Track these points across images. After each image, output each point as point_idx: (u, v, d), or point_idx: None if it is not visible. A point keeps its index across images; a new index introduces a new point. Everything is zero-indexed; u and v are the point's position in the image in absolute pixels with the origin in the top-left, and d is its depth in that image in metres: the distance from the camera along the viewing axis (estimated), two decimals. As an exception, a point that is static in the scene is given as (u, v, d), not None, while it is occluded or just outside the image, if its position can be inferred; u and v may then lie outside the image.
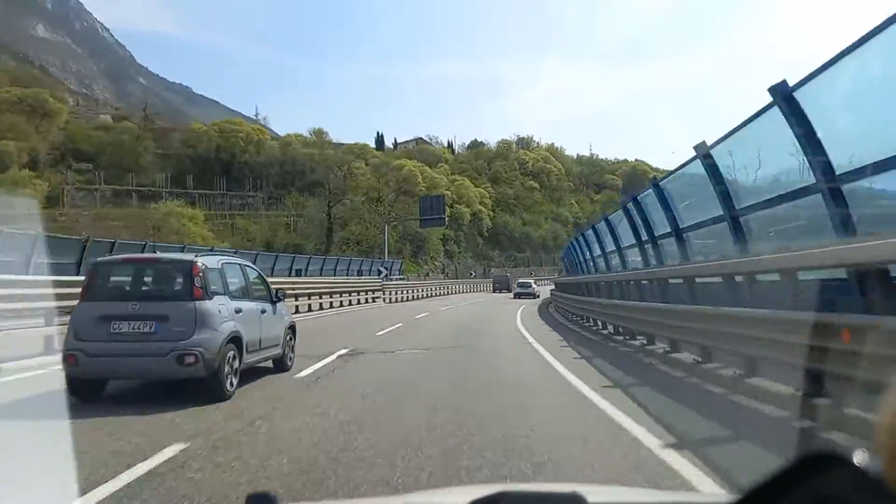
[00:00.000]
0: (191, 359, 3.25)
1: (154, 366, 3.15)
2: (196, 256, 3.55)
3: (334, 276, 19.45)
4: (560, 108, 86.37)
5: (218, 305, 3.39)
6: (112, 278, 3.51)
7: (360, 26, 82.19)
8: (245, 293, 4.03)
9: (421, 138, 64.37)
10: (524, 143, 69.99)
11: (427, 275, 41.19)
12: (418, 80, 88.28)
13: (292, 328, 4.76)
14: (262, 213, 42.11)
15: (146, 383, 3.43)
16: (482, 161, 67.22)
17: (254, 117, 66.23)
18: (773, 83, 3.84)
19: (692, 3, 70.99)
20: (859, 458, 0.40)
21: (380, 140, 62.22)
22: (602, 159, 72.37)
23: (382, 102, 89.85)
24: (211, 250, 10.18)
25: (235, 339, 3.48)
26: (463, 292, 32.39)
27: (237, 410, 2.99)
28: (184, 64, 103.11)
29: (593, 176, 70.17)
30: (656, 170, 71.39)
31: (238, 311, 3.66)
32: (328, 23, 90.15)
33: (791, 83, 3.67)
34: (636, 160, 72.21)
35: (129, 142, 42.00)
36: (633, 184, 70.33)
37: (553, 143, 71.90)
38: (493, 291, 31.15)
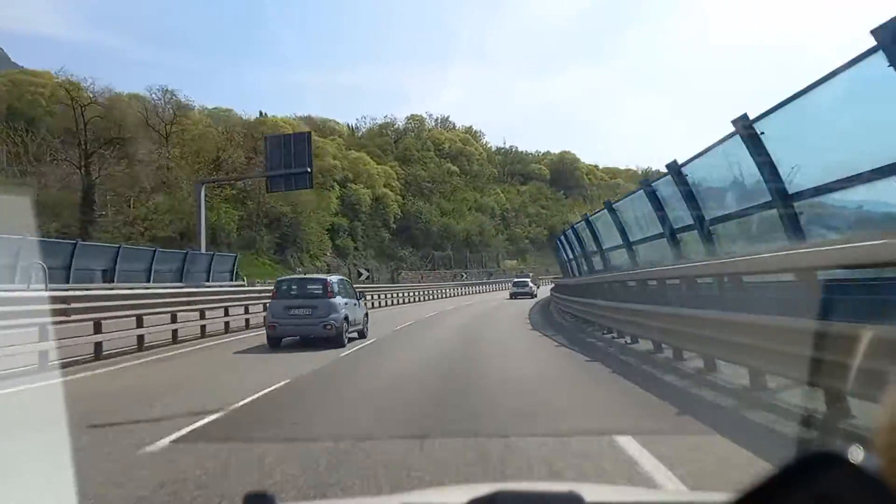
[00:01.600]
0: (328, 327, 7.66)
1: (311, 330, 7.47)
2: (327, 276, 7.98)
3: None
4: (465, 117, 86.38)
5: (338, 300, 7.73)
6: (286, 287, 8.21)
7: (264, 32, 78.32)
8: (347, 294, 8.55)
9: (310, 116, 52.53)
10: (441, 122, 65.90)
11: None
12: (325, 87, 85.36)
13: (366, 314, 9.44)
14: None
15: (304, 339, 7.78)
16: (388, 136, 59.33)
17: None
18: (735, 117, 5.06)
19: (590, 21, 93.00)
20: (859, 457, 0.42)
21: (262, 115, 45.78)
22: (522, 151, 72.56)
23: (283, 108, 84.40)
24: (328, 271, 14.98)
25: (346, 317, 7.94)
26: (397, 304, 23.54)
27: (348, 351, 7.13)
28: (71, 65, 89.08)
29: (516, 166, 70.02)
30: (591, 166, 76.94)
31: (346, 303, 8.14)
32: (233, 27, 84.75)
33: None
34: (563, 151, 73.98)
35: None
36: (561, 174, 71.88)
37: (472, 126, 67.93)
38: (511, 298, 27.46)
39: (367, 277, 28.08)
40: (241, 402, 4.62)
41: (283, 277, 10.87)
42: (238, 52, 78.21)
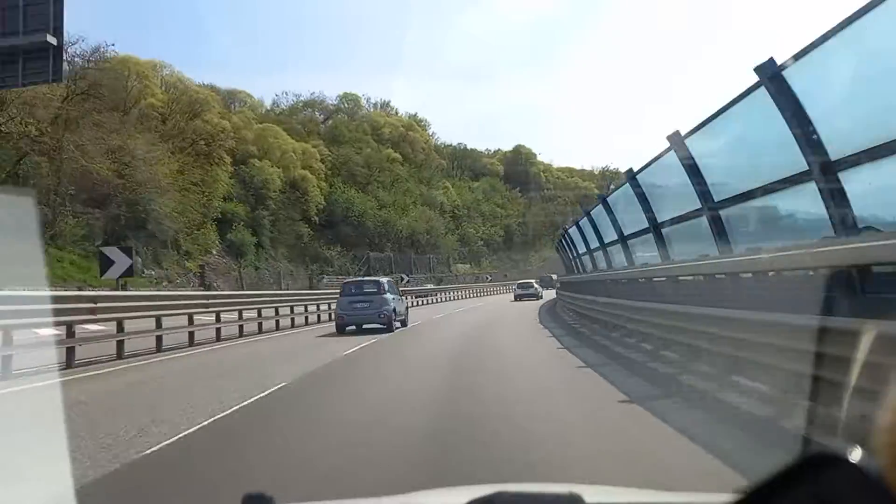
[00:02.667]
0: (382, 316, 12.56)
1: (369, 319, 12.44)
2: (380, 279, 13.86)
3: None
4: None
5: (388, 296, 12.62)
6: (350, 288, 13.49)
7: (211, 36, 75.93)
8: (394, 292, 13.31)
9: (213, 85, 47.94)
10: (381, 106, 64.29)
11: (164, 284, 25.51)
12: (271, 93, 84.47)
13: (407, 307, 14.35)
14: None
15: (364, 328, 12.62)
16: (313, 111, 55.83)
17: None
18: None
19: (527, 34, 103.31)
20: (859, 457, 0.46)
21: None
22: (472, 149, 74.16)
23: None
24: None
25: (394, 309, 12.79)
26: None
27: (395, 335, 12.03)
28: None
29: (466, 160, 71.45)
30: (546, 164, 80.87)
31: (393, 299, 12.92)
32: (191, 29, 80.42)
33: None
34: (517, 144, 77.24)
35: None
36: (516, 170, 73.03)
37: (417, 114, 66.89)
38: (516, 300, 31.00)
39: (408, 282, 36.51)
40: (345, 353, 9.78)
41: (347, 280, 17.22)
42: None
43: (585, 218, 12.76)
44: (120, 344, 9.29)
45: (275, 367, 8.22)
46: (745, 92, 5.16)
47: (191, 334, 11.21)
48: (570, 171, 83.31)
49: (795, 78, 4.43)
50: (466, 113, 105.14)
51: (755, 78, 4.74)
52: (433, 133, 67.63)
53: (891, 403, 0.49)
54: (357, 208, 46.35)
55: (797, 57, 4.37)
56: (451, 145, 70.16)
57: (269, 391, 6.14)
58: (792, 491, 0.47)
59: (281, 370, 7.65)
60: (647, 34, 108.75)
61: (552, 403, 5.53)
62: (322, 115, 57.03)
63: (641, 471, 3.42)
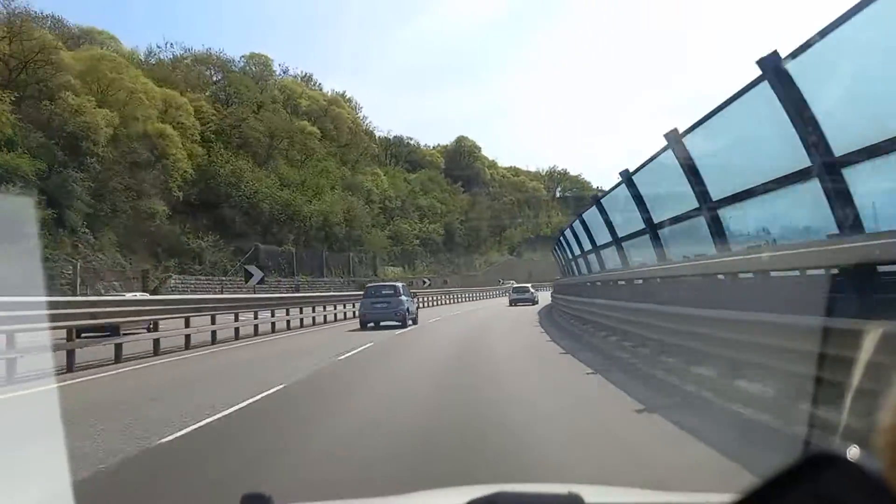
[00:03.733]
0: (398, 315, 18.05)
1: (387, 317, 17.95)
2: (397, 283, 20.33)
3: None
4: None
5: (403, 298, 18.37)
6: (371, 291, 19.55)
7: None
8: (407, 294, 19.43)
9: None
10: (303, 79, 60.98)
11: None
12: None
13: (417, 307, 20.74)
14: None
15: (382, 324, 18.26)
16: (207, 69, 50.01)
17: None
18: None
19: (474, 38, 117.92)
20: (860, 458, 0.52)
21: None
22: (409, 139, 74.63)
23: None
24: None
25: (407, 309, 18.50)
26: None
27: (406, 332, 16.57)
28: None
29: (403, 149, 71.73)
30: (491, 161, 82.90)
31: (406, 300, 18.74)
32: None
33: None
34: (459, 136, 79.00)
35: None
36: (458, 164, 73.80)
37: (345, 92, 64.76)
38: (511, 305, 34.30)
39: (429, 285, 41.92)
40: (370, 344, 13.33)
41: (369, 284, 22.47)
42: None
43: (596, 209, 13.24)
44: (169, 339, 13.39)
45: (327, 350, 12.68)
46: (746, 86, 5.77)
47: (213, 333, 14.77)
48: (516, 171, 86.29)
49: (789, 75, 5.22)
50: (407, 112, 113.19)
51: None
52: (365, 117, 66.75)
53: (891, 404, 0.55)
54: (247, 186, 38.86)
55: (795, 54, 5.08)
56: (386, 137, 70.09)
57: (333, 361, 10.89)
58: (792, 491, 0.54)
59: (334, 351, 12.30)
60: (596, 38, 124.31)
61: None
62: (218, 75, 51.19)
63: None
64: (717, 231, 7.04)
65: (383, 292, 18.75)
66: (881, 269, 4.52)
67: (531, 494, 1.32)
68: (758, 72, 5.35)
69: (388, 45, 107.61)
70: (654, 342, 8.47)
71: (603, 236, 12.95)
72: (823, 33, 4.68)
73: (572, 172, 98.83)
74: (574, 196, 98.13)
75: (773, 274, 5.96)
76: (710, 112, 6.61)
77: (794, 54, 5.09)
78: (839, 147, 4.85)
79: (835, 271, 4.68)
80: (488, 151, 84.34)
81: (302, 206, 43.15)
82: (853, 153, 4.72)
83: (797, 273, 5.76)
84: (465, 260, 66.13)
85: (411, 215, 61.20)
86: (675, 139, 7.49)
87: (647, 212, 9.38)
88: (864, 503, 0.51)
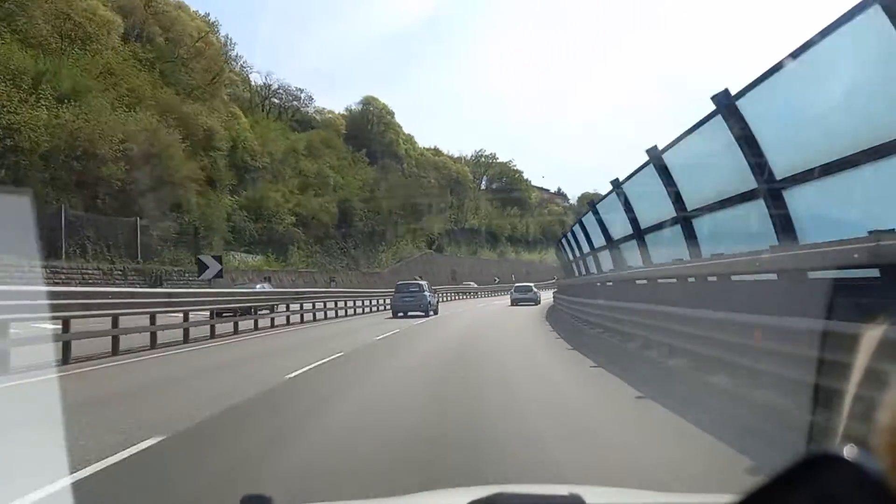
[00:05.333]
0: (422, 306, 30.77)
1: (414, 307, 30.49)
2: (420, 281, 35.60)
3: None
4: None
5: (427, 293, 31.51)
6: (401, 287, 33.84)
7: None
8: (430, 290, 33.32)
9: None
10: None
11: None
12: None
13: (438, 300, 36.44)
14: None
15: (409, 314, 30.51)
16: None
17: None
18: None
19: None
20: (860, 458, 0.63)
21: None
22: (300, 90, 72.28)
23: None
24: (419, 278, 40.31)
25: (430, 302, 31.63)
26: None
27: (430, 320, 27.22)
28: None
29: (291, 103, 69.68)
30: (409, 136, 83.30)
31: (430, 294, 32.23)
32: None
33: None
34: (367, 96, 77.95)
35: None
36: (364, 131, 75.73)
37: (210, 17, 59.04)
38: (513, 304, 42.23)
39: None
40: (399, 330, 21.62)
41: (400, 282, 34.66)
42: None
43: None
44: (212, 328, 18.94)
45: (369, 331, 20.94)
46: (703, 119, 9.16)
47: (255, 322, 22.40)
48: (438, 151, 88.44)
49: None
50: (303, 62, 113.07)
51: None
52: (239, 56, 63.14)
53: (890, 404, 0.68)
54: None
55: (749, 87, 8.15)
56: (266, 84, 67.08)
57: (380, 338, 18.25)
58: (792, 491, 0.64)
59: (377, 332, 20.33)
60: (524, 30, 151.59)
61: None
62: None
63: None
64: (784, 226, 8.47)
65: (411, 289, 32.28)
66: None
67: (531, 495, 1.57)
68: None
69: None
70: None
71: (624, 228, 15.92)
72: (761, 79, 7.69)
73: (502, 158, 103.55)
74: (505, 186, 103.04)
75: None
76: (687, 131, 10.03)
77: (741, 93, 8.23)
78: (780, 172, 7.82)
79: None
80: (406, 126, 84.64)
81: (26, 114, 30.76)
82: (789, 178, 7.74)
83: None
84: (367, 252, 62.25)
85: (287, 182, 56.12)
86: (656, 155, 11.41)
87: (680, 201, 11.47)
88: (863, 503, 0.62)
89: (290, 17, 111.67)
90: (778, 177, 7.80)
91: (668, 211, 11.61)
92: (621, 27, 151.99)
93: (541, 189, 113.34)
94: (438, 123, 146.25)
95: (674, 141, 10.83)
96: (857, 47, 6.49)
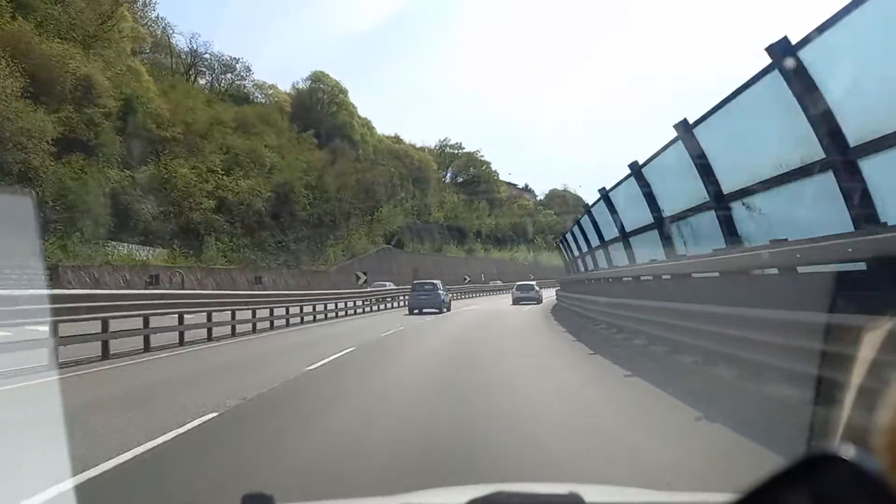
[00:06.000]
0: (436, 304, 37.92)
1: (428, 304, 37.43)
2: (436, 281, 41.59)
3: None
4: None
5: (441, 292, 39.04)
6: (418, 286, 41.31)
7: None
8: (443, 289, 41.05)
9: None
10: None
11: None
12: None
13: (451, 298, 43.05)
14: None
15: (425, 311, 36.67)
16: None
17: None
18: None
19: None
20: (860, 458, 0.65)
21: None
22: (236, 64, 69.13)
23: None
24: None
25: (443, 300, 39.09)
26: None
27: (442, 317, 33.31)
28: None
29: (225, 75, 67.35)
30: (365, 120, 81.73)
31: (443, 292, 40.05)
32: None
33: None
34: (316, 72, 75.80)
35: None
36: (312, 111, 73.74)
37: None
38: (514, 303, 46.01)
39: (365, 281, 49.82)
40: (410, 325, 27.30)
41: (416, 281, 41.80)
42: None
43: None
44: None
45: (393, 322, 27.17)
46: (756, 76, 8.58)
47: (270, 321, 25.07)
48: (399, 139, 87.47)
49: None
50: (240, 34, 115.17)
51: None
52: (161, 18, 60.20)
53: (891, 403, 0.70)
54: None
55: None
56: (193, 48, 64.13)
57: (396, 329, 23.62)
58: (791, 491, 0.67)
59: (399, 323, 27.22)
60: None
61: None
62: None
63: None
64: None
65: (426, 288, 37.92)
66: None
67: (531, 494, 1.66)
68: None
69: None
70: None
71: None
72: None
73: (468, 148, 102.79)
74: (472, 178, 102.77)
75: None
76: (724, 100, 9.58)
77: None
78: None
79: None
80: (370, 117, 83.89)
81: None
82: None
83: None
84: (309, 246, 56.92)
85: (207, 159, 50.41)
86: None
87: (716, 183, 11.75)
88: (863, 503, 0.65)
89: (252, 14, 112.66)
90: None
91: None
92: (593, 28, 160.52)
93: (509, 184, 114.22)
94: (402, 116, 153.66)
95: (664, 146, 12.63)
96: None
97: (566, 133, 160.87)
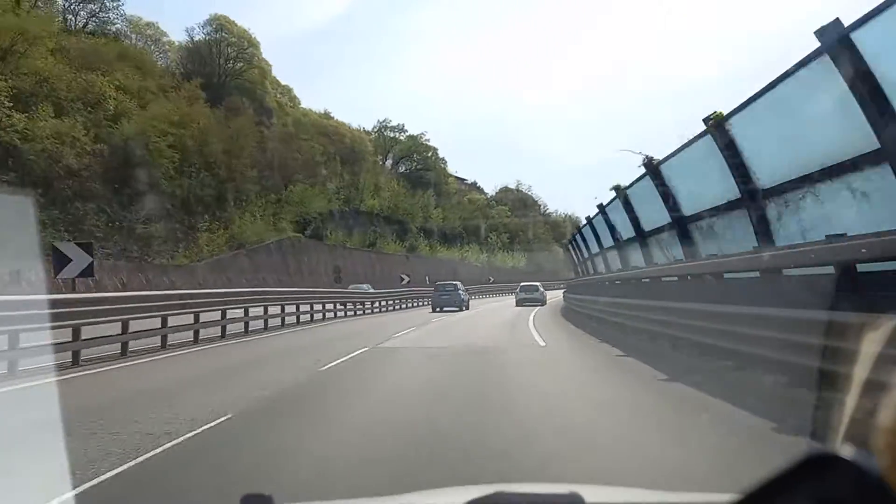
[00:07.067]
0: (457, 302, 52.62)
1: (451, 304, 51.56)
2: (457, 282, 58.18)
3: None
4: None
5: (461, 291, 53.66)
6: (440, 287, 57.23)
7: None
8: (463, 289, 56.07)
9: None
10: None
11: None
12: None
13: (469, 298, 59.05)
14: None
15: (447, 309, 50.24)
16: None
17: None
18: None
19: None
20: (860, 458, 0.74)
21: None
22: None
23: None
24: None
25: (463, 299, 53.65)
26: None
27: (462, 314, 44.64)
28: None
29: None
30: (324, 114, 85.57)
31: (463, 292, 54.63)
32: None
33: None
34: (216, 14, 73.07)
35: None
36: (209, 61, 70.98)
37: None
38: (518, 305, 54.41)
39: (408, 282, 66.01)
40: (435, 321, 36.49)
41: (438, 282, 56.63)
42: None
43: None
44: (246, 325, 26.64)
45: (420, 318, 39.76)
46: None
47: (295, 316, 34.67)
48: (329, 115, 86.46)
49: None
50: None
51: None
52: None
53: (891, 404, 0.77)
54: None
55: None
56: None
57: (427, 324, 33.57)
58: (792, 491, 0.74)
59: (427, 318, 39.11)
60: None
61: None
62: None
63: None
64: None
65: (447, 289, 49.23)
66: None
67: (531, 494, 1.84)
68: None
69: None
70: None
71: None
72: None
73: (412, 131, 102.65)
74: (416, 167, 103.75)
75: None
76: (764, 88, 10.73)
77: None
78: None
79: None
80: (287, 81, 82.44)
81: None
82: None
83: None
84: (173, 230, 50.15)
85: (149, 138, 46.77)
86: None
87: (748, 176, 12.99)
88: (863, 503, 0.70)
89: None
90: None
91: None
92: (553, 27, 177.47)
93: (458, 178, 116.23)
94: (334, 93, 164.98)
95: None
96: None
97: (513, 136, 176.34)
